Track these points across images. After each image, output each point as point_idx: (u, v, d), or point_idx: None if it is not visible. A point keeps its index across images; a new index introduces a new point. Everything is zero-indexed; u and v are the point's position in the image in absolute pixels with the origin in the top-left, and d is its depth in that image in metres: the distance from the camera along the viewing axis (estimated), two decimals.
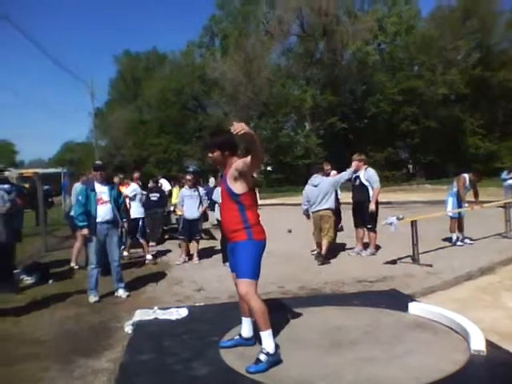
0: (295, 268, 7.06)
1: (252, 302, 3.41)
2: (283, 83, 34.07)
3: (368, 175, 7.83)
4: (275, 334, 3.55)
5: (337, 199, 8.28)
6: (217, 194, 7.41)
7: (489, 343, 3.57)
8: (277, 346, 3.48)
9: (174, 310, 4.88)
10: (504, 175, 15.69)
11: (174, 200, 10.20)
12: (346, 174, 7.64)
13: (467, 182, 8.54)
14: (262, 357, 3.38)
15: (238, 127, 3.08)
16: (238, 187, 3.46)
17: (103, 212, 5.81)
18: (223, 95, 33.96)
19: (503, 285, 5.98)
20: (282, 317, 4.62)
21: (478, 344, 3.49)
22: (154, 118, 37.70)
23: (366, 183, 7.79)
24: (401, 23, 35.38)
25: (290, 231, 10.37)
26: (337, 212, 8.18)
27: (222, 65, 33.45)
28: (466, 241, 8.55)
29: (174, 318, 4.70)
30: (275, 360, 3.41)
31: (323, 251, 7.43)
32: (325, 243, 7.46)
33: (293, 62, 36.46)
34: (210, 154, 3.63)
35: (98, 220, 5.76)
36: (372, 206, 7.60)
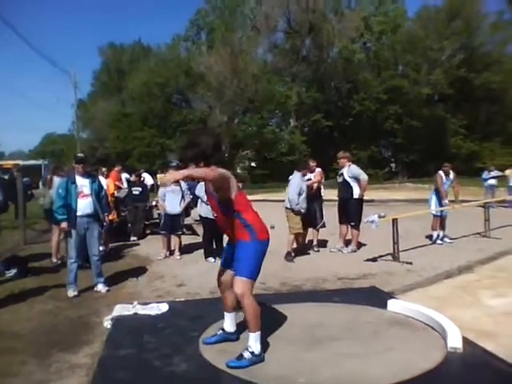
0: (277, 264, 7.08)
1: (246, 302, 3.39)
2: (269, 79, 34.05)
3: (351, 172, 7.89)
4: None
5: (320, 196, 8.33)
6: (200, 189, 7.43)
7: (466, 341, 3.62)
8: (262, 348, 3.47)
9: (155, 305, 4.83)
10: (485, 175, 15.94)
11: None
12: (304, 185, 7.61)
13: (444, 177, 8.67)
14: (246, 354, 3.38)
15: (164, 181, 3.54)
16: (228, 194, 3.38)
17: (84, 205, 5.73)
18: (208, 89, 33.78)
19: (482, 283, 6.08)
20: (262, 313, 4.62)
21: (454, 341, 3.55)
22: (138, 111, 37.31)
23: (349, 180, 7.84)
24: (387, 22, 35.62)
25: (272, 227, 10.28)
26: (319, 209, 8.22)
27: (208, 59, 33.26)
28: (446, 239, 8.67)
29: (154, 313, 4.65)
30: (258, 360, 3.40)
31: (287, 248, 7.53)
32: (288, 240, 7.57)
33: (279, 58, 36.46)
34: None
35: (78, 213, 5.68)
36: (359, 195, 7.72)
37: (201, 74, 33.63)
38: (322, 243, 8.51)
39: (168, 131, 36.53)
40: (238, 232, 3.45)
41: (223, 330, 3.84)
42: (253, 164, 36.04)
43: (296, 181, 7.54)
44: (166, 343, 3.90)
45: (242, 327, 3.74)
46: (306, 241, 8.31)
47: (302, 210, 7.51)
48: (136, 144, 35.97)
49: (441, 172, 8.77)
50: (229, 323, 3.82)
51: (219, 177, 3.26)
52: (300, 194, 7.45)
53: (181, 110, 36.81)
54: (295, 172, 7.72)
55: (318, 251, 7.99)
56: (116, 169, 10.12)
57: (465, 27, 33.21)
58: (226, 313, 3.80)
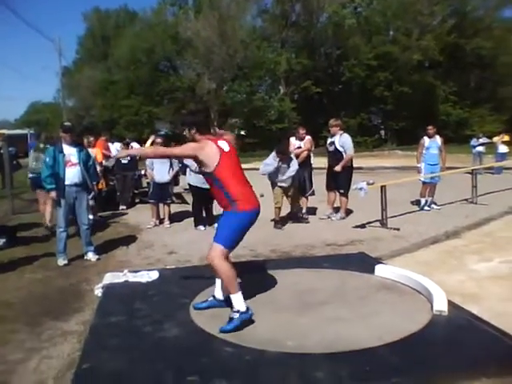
0: (267, 232, 7.12)
1: (218, 268, 3.47)
2: (258, 45, 33.40)
3: (342, 141, 7.86)
4: (246, 295, 3.60)
5: (309, 165, 8.33)
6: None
7: (451, 304, 3.70)
8: (248, 306, 3.53)
9: (145, 272, 4.86)
10: (473, 142, 16.00)
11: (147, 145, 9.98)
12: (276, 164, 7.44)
13: (428, 141, 8.68)
14: (234, 315, 3.45)
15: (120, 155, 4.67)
16: (206, 166, 3.52)
17: (72, 174, 5.68)
18: (196, 56, 33.07)
19: (468, 248, 6.19)
20: (252, 279, 4.67)
21: (440, 304, 3.63)
22: (124, 79, 36.51)
23: (340, 149, 7.82)
24: None
25: (262, 196, 10.32)
26: (309, 177, 8.24)
27: (196, 24, 32.41)
28: (434, 206, 8.76)
29: (144, 280, 4.68)
30: (247, 317, 3.47)
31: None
32: None
33: (268, 24, 35.71)
34: (183, 132, 3.77)
35: (66, 183, 5.63)
36: (338, 168, 7.68)
37: (188, 39, 32.84)
38: (312, 210, 8.55)
39: (155, 99, 35.89)
40: (222, 202, 3.58)
41: (214, 296, 3.90)
42: (242, 132, 35.74)
43: (267, 161, 7.53)
44: (157, 310, 3.94)
45: None
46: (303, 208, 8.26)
47: (284, 184, 7.51)
48: (123, 112, 35.37)
49: (425, 137, 8.78)
50: (220, 290, 3.86)
51: (179, 154, 3.89)
52: (278, 172, 7.43)
53: (168, 77, 36.04)
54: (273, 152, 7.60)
55: (308, 219, 8.04)
56: (103, 138, 9.98)
57: None
58: (217, 279, 3.83)
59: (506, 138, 15.79)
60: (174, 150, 4.02)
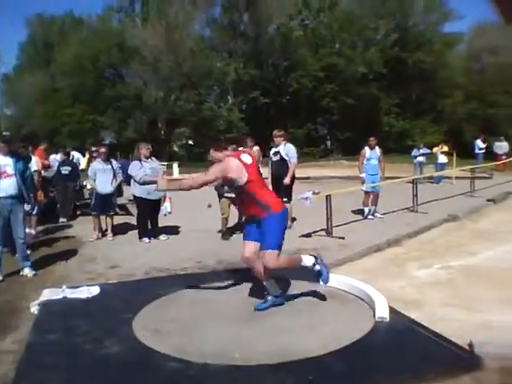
0: (214, 243, 7.06)
1: (282, 267, 3.94)
2: (206, 55, 33.39)
3: (287, 150, 7.95)
4: (191, 308, 3.54)
5: None
6: (133, 168, 7.22)
7: (392, 310, 3.81)
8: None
9: (85, 288, 4.68)
10: (414, 152, 16.59)
11: (83, 166, 9.64)
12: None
13: (369, 152, 8.95)
14: (316, 267, 4.00)
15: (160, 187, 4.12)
16: (236, 182, 3.86)
17: (7, 186, 5.39)
18: (143, 64, 32.58)
19: (409, 256, 6.38)
20: (198, 291, 4.61)
21: (382, 311, 3.72)
22: (68, 86, 35.35)
23: (286, 157, 7.91)
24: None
25: (209, 206, 10.30)
26: None
27: (143, 32, 31.98)
28: (377, 215, 9.01)
29: (84, 296, 4.51)
30: (280, 301, 4.10)
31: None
32: None
33: (216, 34, 35.77)
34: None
35: (1, 195, 5.34)
36: (287, 180, 7.75)
37: (135, 47, 32.29)
38: None
39: (100, 107, 34.97)
40: (252, 210, 3.94)
41: (271, 295, 4.13)
42: (190, 142, 35.48)
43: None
44: (98, 326, 3.80)
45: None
46: None
47: (230, 195, 7.49)
48: (66, 121, 34.17)
49: (366, 147, 9.03)
50: (272, 289, 4.14)
51: (212, 179, 4.01)
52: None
53: (114, 85, 35.27)
54: None
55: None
56: (41, 147, 9.56)
57: (399, 7, 34.09)
58: (264, 282, 4.10)
59: (445, 148, 16.48)
60: (207, 178, 3.99)
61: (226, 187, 7.40)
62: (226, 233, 7.57)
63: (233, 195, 7.46)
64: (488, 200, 10.71)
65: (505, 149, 19.47)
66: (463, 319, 3.96)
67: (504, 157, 18.44)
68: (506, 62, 30.24)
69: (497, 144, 19.79)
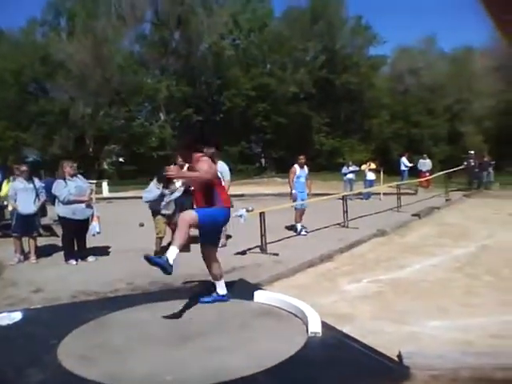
0: (146, 263, 6.80)
1: (180, 225, 4.26)
2: (136, 71, 32.84)
3: (221, 168, 7.94)
4: (121, 332, 3.39)
5: (191, 193, 8.27)
6: (57, 187, 6.88)
7: (325, 325, 3.86)
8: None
9: (6, 314, 4.37)
10: (344, 170, 17.16)
11: (3, 194, 9.00)
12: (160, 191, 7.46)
13: (299, 170, 9.17)
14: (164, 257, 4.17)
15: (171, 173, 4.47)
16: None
17: None
18: (69, 79, 31.42)
19: (340, 270, 6.55)
20: (128, 314, 4.45)
21: (314, 326, 3.77)
22: None
23: (220, 175, 7.87)
24: (255, 20, 36.56)
25: (142, 225, 10.02)
26: (191, 205, 8.17)
27: (68, 46, 30.90)
28: (304, 231, 9.19)
29: (4, 323, 4.21)
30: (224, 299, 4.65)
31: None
32: None
33: (147, 50, 35.36)
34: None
35: None
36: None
37: (60, 61, 31.11)
38: (194, 239, 8.43)
39: (23, 123, 33.20)
40: (208, 201, 4.50)
41: (217, 292, 4.68)
42: (121, 159, 34.54)
43: (149, 189, 7.40)
44: (20, 354, 3.55)
45: None
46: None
47: (167, 211, 7.38)
48: None
49: (296, 165, 9.25)
50: (220, 287, 4.69)
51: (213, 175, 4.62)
52: (162, 199, 7.31)
53: (37, 101, 33.68)
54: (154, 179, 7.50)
55: (188, 247, 7.91)
56: None
57: (327, 30, 35.56)
58: (215, 282, 4.71)
59: (373, 165, 17.16)
60: (205, 175, 4.49)
61: (162, 203, 7.25)
62: (161, 253, 7.37)
63: (169, 212, 7.35)
64: (413, 215, 11.28)
65: (428, 166, 20.54)
66: (392, 331, 4.10)
67: (427, 174, 19.52)
68: (426, 82, 32.64)
69: (421, 161, 20.81)
